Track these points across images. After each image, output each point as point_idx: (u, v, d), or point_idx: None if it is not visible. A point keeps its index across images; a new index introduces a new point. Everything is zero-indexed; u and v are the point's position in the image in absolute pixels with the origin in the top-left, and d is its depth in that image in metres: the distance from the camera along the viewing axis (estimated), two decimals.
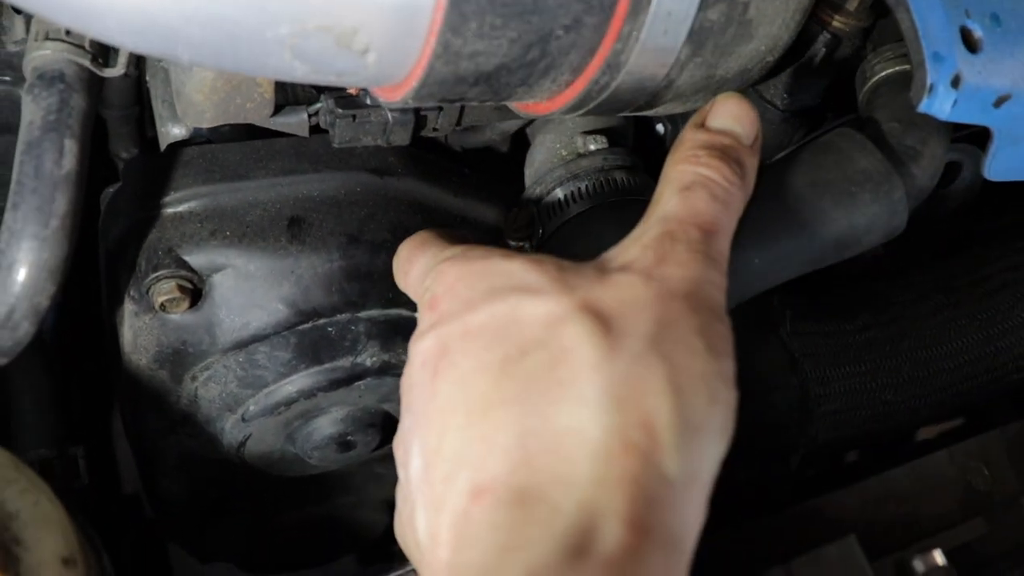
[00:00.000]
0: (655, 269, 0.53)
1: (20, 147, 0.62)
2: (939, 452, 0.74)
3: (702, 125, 0.61)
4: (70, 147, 0.62)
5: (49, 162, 0.61)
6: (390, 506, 1.10)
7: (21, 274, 0.61)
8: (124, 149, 1.07)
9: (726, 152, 0.58)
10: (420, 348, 0.55)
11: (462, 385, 0.51)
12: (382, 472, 1.06)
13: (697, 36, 0.57)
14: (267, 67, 0.52)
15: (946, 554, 0.62)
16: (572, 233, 0.76)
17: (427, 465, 0.51)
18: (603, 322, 0.50)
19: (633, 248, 0.55)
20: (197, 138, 0.80)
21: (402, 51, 0.52)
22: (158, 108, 0.83)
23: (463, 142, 0.90)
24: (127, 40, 0.51)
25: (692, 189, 0.56)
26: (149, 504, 1.02)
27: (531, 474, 0.46)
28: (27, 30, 0.71)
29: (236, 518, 1.04)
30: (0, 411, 0.92)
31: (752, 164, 0.60)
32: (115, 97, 0.94)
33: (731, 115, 0.61)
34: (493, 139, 0.90)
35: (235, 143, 0.77)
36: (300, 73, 0.53)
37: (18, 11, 0.73)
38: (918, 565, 0.58)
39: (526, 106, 0.64)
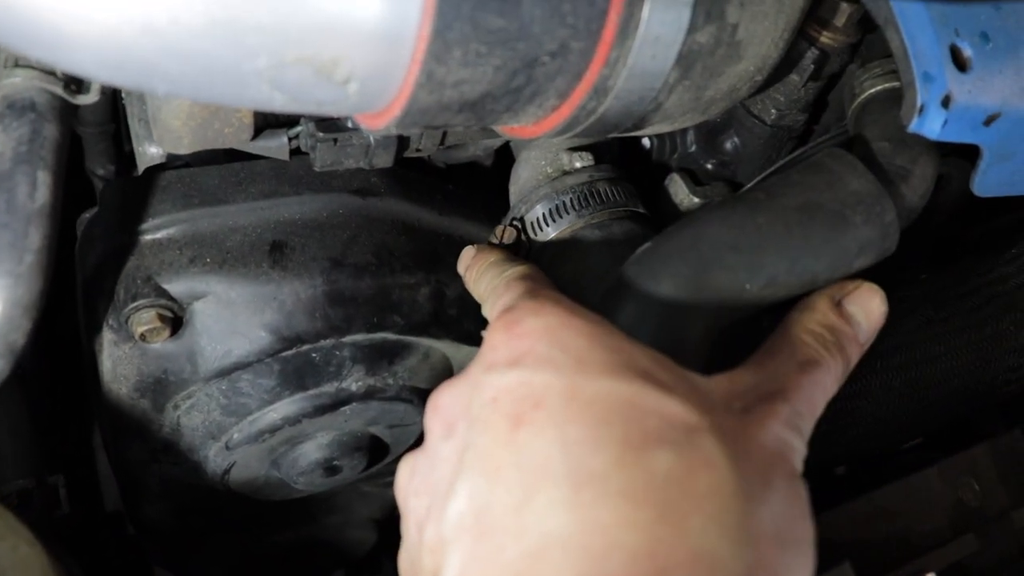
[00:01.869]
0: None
1: None
2: (928, 468, 0.73)
3: (839, 303, 0.61)
4: (43, 179, 0.60)
5: (22, 195, 0.59)
6: (377, 523, 1.09)
7: None
8: (100, 166, 1.06)
9: (847, 348, 0.59)
10: (495, 382, 0.50)
11: (566, 453, 0.46)
12: (368, 491, 1.04)
13: (686, 59, 0.56)
14: (245, 98, 0.51)
15: (939, 574, 0.62)
16: (558, 253, 0.75)
17: (485, 516, 0.47)
18: (736, 451, 0.48)
19: (748, 395, 0.54)
20: (175, 161, 0.78)
21: (385, 80, 0.51)
22: (135, 127, 0.81)
23: (447, 158, 0.89)
24: (102, 74, 0.50)
25: (811, 372, 0.56)
26: (134, 529, 1.01)
27: None
28: None
29: (222, 542, 1.03)
30: None
31: (854, 364, 0.60)
32: (90, 115, 0.93)
33: (868, 311, 0.61)
34: (477, 155, 0.89)
35: (214, 166, 0.76)
36: (279, 103, 0.51)
37: None
38: None
39: (512, 129, 0.63)
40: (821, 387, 0.56)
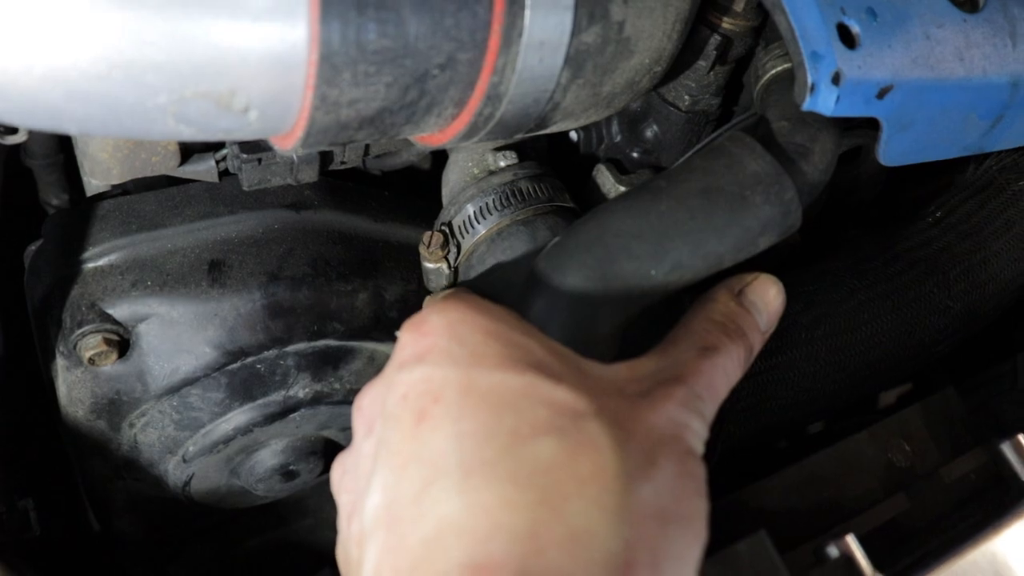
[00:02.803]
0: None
1: None
2: (859, 433, 0.76)
3: (739, 293, 0.65)
4: None
5: None
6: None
7: None
8: (54, 196, 1.08)
9: (748, 334, 0.63)
10: (404, 379, 0.53)
11: (459, 444, 0.49)
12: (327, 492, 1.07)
13: (575, 60, 0.59)
14: (154, 132, 0.54)
15: (865, 535, 0.64)
16: (485, 252, 0.77)
17: (393, 508, 0.50)
18: (622, 434, 0.51)
19: (646, 381, 0.57)
20: (114, 190, 0.81)
21: (282, 106, 0.53)
22: (80, 157, 0.84)
23: (381, 166, 0.91)
24: (14, 119, 0.52)
25: (711, 356, 0.59)
26: (110, 544, 1.03)
27: (541, 568, 0.45)
28: None
29: (196, 551, 1.06)
30: None
31: (757, 351, 0.64)
32: (38, 147, 0.95)
33: (767, 300, 0.65)
34: (411, 160, 0.91)
35: (150, 192, 0.78)
36: (187, 135, 0.54)
37: None
38: (832, 551, 0.60)
39: (420, 138, 0.66)
40: (722, 371, 0.59)
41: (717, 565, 0.57)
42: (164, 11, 0.47)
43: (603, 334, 0.61)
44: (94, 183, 0.83)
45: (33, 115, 0.51)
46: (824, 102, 0.65)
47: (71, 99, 0.50)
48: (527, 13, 0.55)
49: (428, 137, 0.65)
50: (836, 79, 0.65)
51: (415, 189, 0.96)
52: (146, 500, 0.89)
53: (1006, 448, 0.74)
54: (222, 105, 0.52)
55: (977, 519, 0.69)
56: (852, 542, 0.61)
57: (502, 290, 0.72)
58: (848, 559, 0.60)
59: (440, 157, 0.95)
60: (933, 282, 0.85)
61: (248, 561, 1.10)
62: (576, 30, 0.57)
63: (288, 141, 0.58)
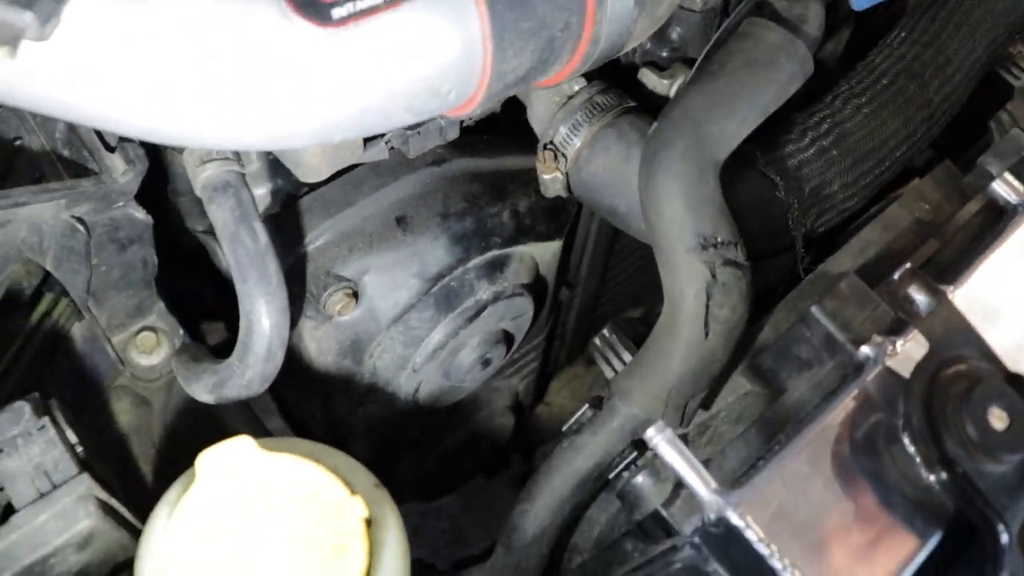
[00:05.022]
0: None
1: (225, 241, 0.89)
2: (891, 205, 1.03)
3: None
4: (259, 228, 0.89)
5: (250, 241, 0.88)
6: (510, 409, 1.39)
7: (265, 322, 0.88)
8: (198, 223, 1.33)
9: None
10: None
11: None
12: (498, 384, 1.35)
13: (640, 1, 0.85)
14: (391, 125, 0.80)
15: (916, 268, 0.91)
16: (587, 156, 1.03)
17: None
18: None
19: None
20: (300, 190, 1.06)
21: (471, 85, 0.79)
22: (291, 165, 1.06)
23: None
24: (308, 141, 0.78)
25: None
26: None
27: None
28: (127, 162, 0.96)
29: (407, 463, 1.33)
30: None
31: None
32: (182, 185, 1.18)
33: None
34: (494, 109, 1.17)
35: (333, 182, 1.04)
36: (410, 120, 0.80)
37: (111, 149, 0.97)
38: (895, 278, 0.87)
39: (543, 83, 0.91)
40: None
41: (827, 301, 0.84)
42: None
43: (706, 178, 0.87)
44: (259, 192, 1.07)
45: (330, 135, 0.76)
46: None
47: (363, 118, 0.75)
48: None
49: (549, 80, 0.90)
50: None
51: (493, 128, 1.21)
52: (379, 421, 1.16)
53: (997, 186, 1.00)
54: (436, 94, 0.77)
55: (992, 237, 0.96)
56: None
57: (610, 180, 0.99)
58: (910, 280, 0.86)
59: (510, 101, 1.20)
60: (914, 85, 1.11)
61: (444, 459, 1.38)
62: None
63: (468, 107, 0.84)
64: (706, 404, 0.91)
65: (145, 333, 1.15)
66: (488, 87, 0.80)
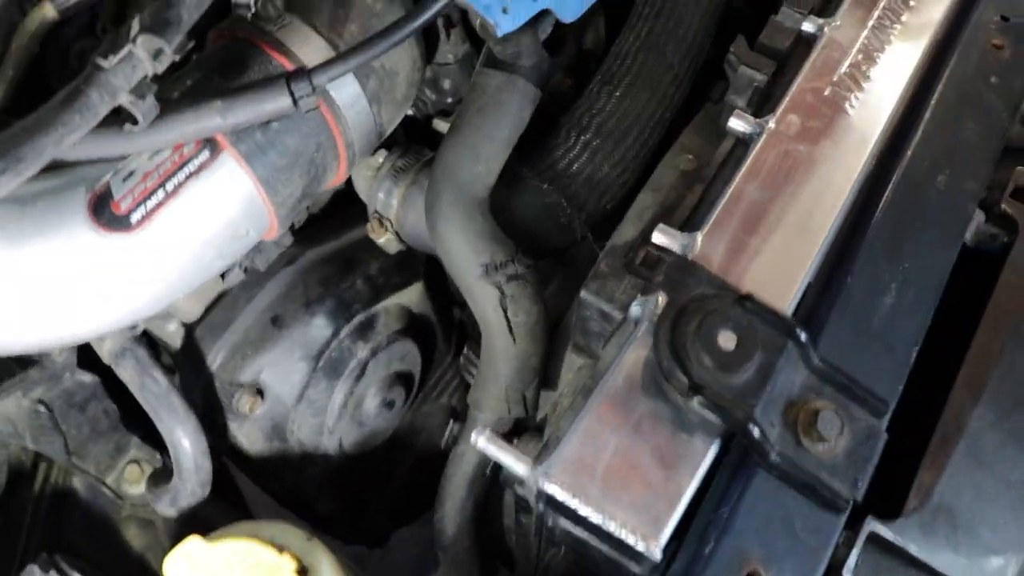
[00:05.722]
0: None
1: (135, 392, 1.10)
2: (658, 166, 1.22)
3: None
4: (158, 375, 1.10)
5: (154, 387, 1.09)
6: (450, 418, 1.59)
7: (186, 444, 1.09)
8: None
9: None
10: None
11: None
12: (427, 408, 1.54)
13: (374, 99, 1.05)
14: (214, 273, 1.00)
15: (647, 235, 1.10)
16: (407, 211, 1.22)
17: None
18: None
19: None
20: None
21: (263, 220, 1.00)
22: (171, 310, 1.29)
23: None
24: (151, 312, 0.98)
25: None
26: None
27: None
28: None
29: (376, 498, 1.53)
30: None
31: None
32: None
33: None
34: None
35: (212, 310, 1.24)
36: (228, 263, 1.00)
37: None
38: None
39: (329, 184, 1.11)
40: None
41: (591, 283, 1.03)
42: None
43: (474, 215, 1.07)
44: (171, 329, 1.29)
45: (163, 303, 0.97)
46: (507, 24, 1.09)
47: (188, 281, 0.96)
48: (334, 96, 1.00)
49: (333, 182, 1.10)
50: (505, 10, 1.09)
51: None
52: (325, 478, 1.36)
53: (733, 122, 1.18)
54: (239, 238, 0.98)
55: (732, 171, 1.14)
56: None
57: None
58: None
59: None
60: (654, 57, 1.29)
61: (405, 486, 1.57)
62: (363, 88, 1.03)
63: (271, 234, 1.04)
64: (551, 384, 1.12)
65: (130, 467, 1.35)
66: (278, 216, 1.00)
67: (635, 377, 0.93)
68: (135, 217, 0.89)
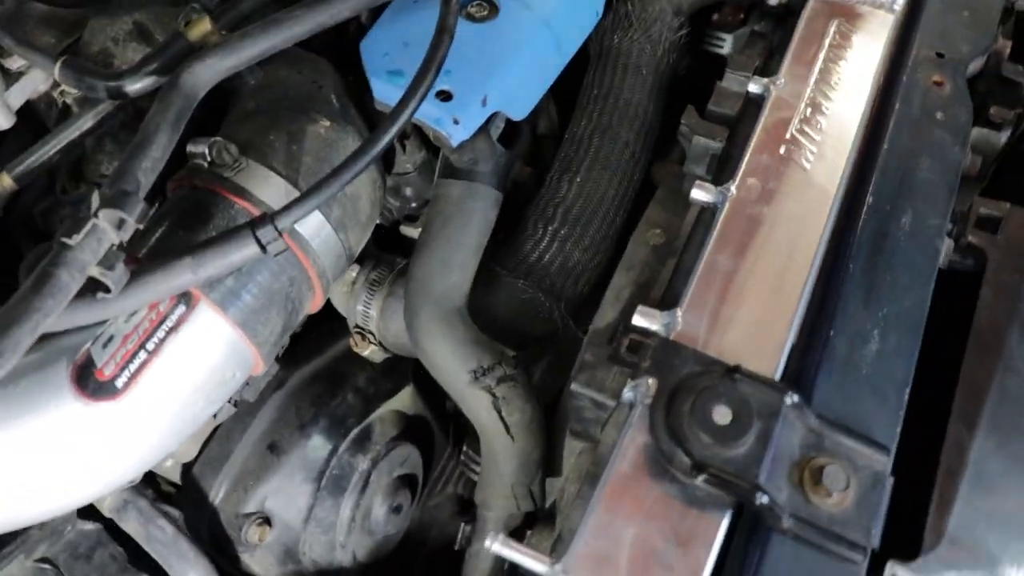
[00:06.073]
0: None
1: (142, 543, 1.10)
2: (629, 244, 1.24)
3: None
4: (163, 523, 1.10)
5: (160, 535, 1.09)
6: (462, 508, 1.59)
7: None
8: None
9: None
10: None
11: None
12: (435, 502, 1.55)
13: (340, 226, 1.06)
14: (205, 418, 1.00)
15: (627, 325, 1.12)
16: (388, 321, 1.24)
17: None
18: None
19: None
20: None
21: (248, 361, 1.00)
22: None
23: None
24: (145, 468, 0.98)
25: None
26: None
27: None
28: None
29: None
30: None
31: None
32: None
33: None
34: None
35: (208, 444, 1.25)
36: (218, 405, 1.01)
37: None
38: None
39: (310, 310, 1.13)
40: None
41: (580, 375, 1.04)
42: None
43: (454, 323, 1.08)
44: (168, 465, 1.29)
45: (158, 458, 0.97)
46: (460, 134, 1.11)
47: (182, 429, 0.96)
48: (300, 230, 1.01)
49: (311, 309, 1.11)
50: (456, 120, 1.11)
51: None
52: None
53: (696, 193, 1.20)
54: (226, 382, 0.98)
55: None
56: None
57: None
58: None
59: None
60: (607, 138, 1.31)
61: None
62: (327, 217, 1.04)
63: (258, 370, 1.04)
64: (554, 470, 1.12)
65: None
66: (262, 354, 1.01)
67: (638, 461, 0.94)
68: (120, 382, 0.90)
